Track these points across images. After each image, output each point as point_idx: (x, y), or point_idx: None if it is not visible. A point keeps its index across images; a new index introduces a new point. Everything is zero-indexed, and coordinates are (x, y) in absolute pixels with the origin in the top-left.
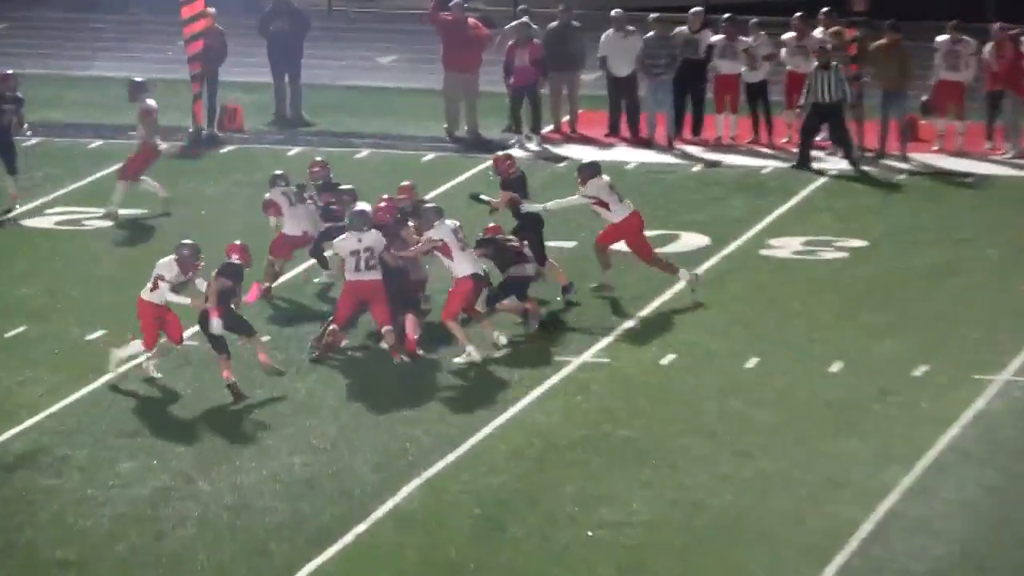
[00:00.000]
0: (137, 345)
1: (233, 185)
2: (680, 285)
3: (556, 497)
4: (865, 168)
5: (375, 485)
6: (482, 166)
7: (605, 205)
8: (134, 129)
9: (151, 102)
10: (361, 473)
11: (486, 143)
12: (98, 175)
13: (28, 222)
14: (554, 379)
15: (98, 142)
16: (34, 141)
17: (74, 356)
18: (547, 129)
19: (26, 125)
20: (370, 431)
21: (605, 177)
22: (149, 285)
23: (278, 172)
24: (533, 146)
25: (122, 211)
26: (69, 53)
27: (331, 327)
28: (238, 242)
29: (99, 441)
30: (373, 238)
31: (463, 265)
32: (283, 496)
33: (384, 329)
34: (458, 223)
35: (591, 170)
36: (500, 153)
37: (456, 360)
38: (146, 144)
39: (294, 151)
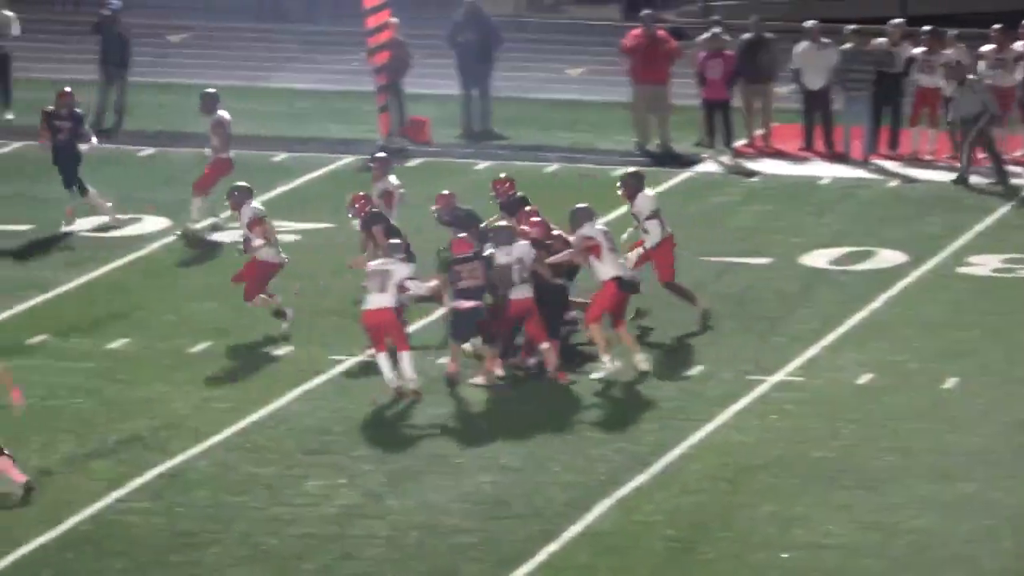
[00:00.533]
0: (382, 359)
1: (419, 198)
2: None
3: (750, 518)
4: None
5: (566, 505)
6: (674, 181)
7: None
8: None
9: (224, 114)
10: (552, 493)
11: (678, 157)
12: (285, 188)
13: (213, 236)
14: (748, 398)
15: (283, 155)
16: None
17: (260, 372)
18: (740, 143)
19: (93, 140)
20: (560, 450)
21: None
22: (390, 294)
23: (243, 184)
24: (726, 160)
25: (302, 224)
26: (251, 64)
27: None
28: (463, 234)
29: (286, 459)
30: (522, 250)
31: (608, 268)
32: (473, 516)
33: (544, 347)
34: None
35: (640, 180)
36: (501, 175)
37: (594, 376)
38: (219, 157)
39: (482, 165)
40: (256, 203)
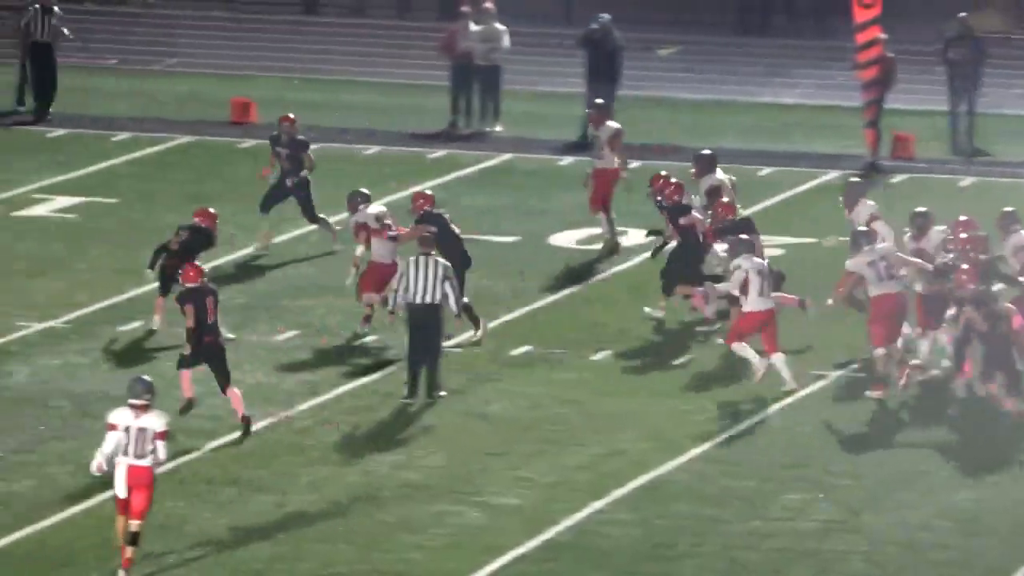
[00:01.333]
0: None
1: (901, 214)
2: None
3: None
4: None
5: None
6: None
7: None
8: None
9: (617, 125)
10: None
11: None
12: (770, 202)
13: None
14: None
15: (768, 169)
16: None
17: (739, 386)
18: None
19: (307, 170)
20: None
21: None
22: (769, 295)
23: (363, 190)
24: None
25: (786, 239)
26: (736, 78)
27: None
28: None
29: (765, 472)
30: (886, 248)
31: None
32: (951, 532)
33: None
34: None
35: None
36: (662, 172)
37: None
38: (606, 169)
39: (967, 181)
40: (370, 208)
